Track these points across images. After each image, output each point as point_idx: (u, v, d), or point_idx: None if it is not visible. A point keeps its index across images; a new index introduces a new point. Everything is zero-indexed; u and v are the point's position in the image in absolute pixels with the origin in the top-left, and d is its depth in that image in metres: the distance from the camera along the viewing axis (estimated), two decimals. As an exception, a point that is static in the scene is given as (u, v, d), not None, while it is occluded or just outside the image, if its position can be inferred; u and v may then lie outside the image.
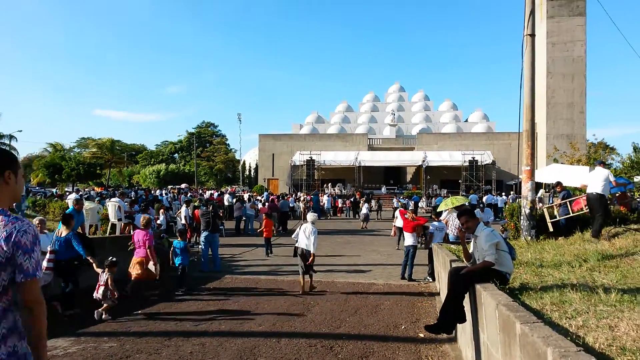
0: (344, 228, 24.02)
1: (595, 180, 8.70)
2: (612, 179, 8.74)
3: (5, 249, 1.98)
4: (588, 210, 9.24)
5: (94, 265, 7.74)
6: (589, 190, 8.76)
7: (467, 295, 4.73)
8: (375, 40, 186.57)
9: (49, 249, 7.84)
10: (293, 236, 9.86)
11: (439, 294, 8.86)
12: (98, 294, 7.35)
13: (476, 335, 4.46)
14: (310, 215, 9.85)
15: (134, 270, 8.44)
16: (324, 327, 6.92)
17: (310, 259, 9.28)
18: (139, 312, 7.65)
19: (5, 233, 2.00)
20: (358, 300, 8.78)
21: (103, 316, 7.28)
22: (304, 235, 9.42)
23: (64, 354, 5.64)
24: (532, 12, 9.95)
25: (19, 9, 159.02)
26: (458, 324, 5.41)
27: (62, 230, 8.06)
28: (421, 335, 6.45)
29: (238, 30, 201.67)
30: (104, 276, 7.45)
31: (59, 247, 7.89)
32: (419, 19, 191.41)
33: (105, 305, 7.34)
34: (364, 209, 24.63)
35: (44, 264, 7.74)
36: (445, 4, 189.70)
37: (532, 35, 9.97)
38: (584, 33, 35.08)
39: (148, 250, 8.40)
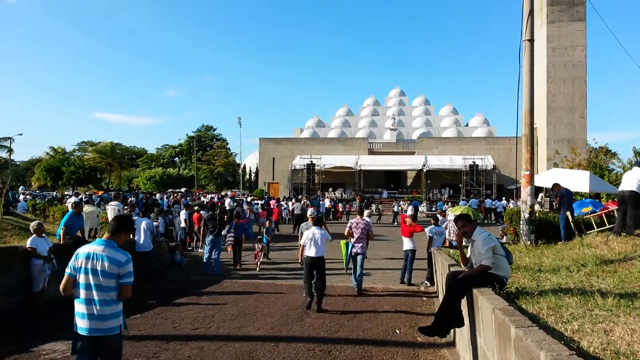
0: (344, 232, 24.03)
1: (631, 179, 8.58)
2: None
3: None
4: (617, 208, 8.95)
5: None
6: (623, 188, 8.59)
7: (464, 300, 4.73)
8: (376, 44, 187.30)
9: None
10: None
11: (437, 297, 8.85)
12: (258, 258, 12.92)
13: (473, 340, 4.47)
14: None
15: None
16: (323, 332, 6.92)
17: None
18: (137, 315, 7.66)
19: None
20: (357, 304, 8.78)
21: (259, 267, 12.58)
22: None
23: (62, 357, 5.65)
24: (531, 17, 9.99)
25: (20, 18, 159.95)
26: (456, 329, 5.41)
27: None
28: (419, 339, 6.45)
29: (238, 34, 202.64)
30: (258, 245, 13.13)
31: (235, 229, 12.96)
32: (420, 24, 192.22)
33: (260, 262, 12.82)
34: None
35: (229, 238, 12.87)
36: (446, 9, 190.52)
37: (531, 41, 9.99)
38: (584, 38, 35.19)
39: None
